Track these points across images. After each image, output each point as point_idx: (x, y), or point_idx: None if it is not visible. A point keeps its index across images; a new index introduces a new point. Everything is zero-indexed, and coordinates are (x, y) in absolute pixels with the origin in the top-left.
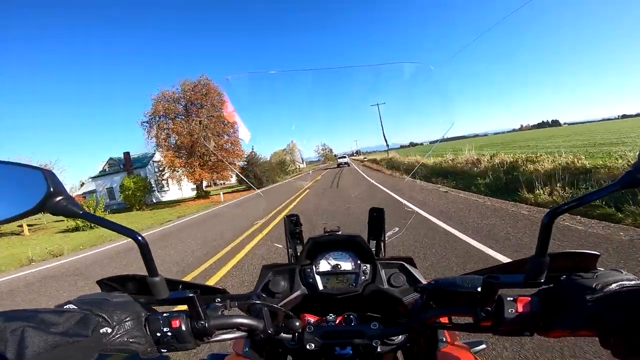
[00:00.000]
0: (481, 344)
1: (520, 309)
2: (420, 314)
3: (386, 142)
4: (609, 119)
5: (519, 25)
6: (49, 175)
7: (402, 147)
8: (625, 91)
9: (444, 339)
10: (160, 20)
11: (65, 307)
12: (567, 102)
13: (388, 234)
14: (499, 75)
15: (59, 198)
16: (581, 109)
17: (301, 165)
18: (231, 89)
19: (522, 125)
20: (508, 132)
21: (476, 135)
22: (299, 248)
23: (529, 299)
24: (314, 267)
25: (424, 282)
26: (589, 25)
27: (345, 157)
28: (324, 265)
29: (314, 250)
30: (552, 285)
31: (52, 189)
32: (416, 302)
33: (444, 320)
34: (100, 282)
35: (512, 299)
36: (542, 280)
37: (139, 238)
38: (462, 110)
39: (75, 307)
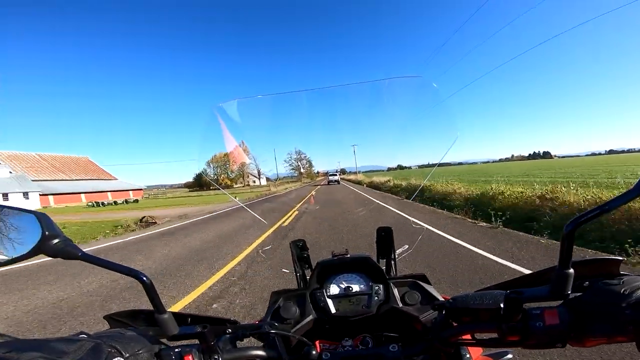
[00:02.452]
0: (507, 354)
1: (548, 321)
2: (441, 332)
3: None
4: (597, 154)
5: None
6: (43, 219)
7: (389, 169)
8: (613, 127)
9: (467, 355)
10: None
11: (79, 336)
12: (554, 134)
13: (398, 251)
14: (490, 104)
15: (55, 241)
16: (569, 143)
17: (257, 182)
18: (225, 115)
19: (513, 155)
20: (496, 161)
21: (460, 164)
22: (308, 272)
23: (556, 309)
24: (324, 290)
25: (440, 298)
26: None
27: (336, 175)
28: (335, 289)
29: (324, 273)
30: (578, 294)
31: (46, 233)
32: (435, 320)
33: (467, 337)
34: (107, 317)
35: (538, 311)
36: (568, 292)
37: (144, 278)
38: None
39: (86, 337)
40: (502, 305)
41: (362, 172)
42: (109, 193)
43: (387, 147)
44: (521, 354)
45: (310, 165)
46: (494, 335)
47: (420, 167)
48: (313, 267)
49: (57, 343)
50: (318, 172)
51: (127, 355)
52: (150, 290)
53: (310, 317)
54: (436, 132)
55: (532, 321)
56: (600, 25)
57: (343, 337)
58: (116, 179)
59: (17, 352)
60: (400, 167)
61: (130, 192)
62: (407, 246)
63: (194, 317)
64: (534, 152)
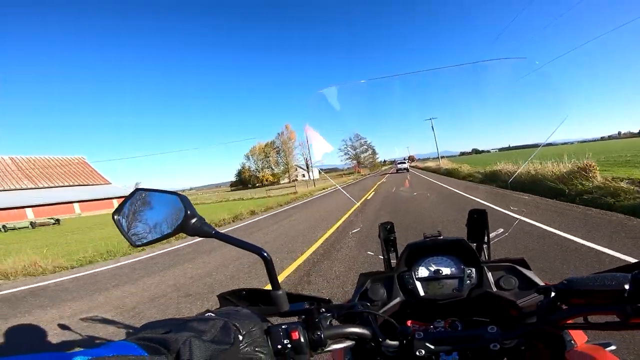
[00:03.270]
0: (610, 345)
1: None
2: (548, 316)
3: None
4: None
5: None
6: (185, 200)
7: (462, 154)
8: None
9: (572, 341)
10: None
11: (206, 315)
12: None
13: (491, 235)
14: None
15: (194, 220)
16: None
17: (306, 176)
18: (324, 102)
19: (620, 133)
20: (597, 140)
21: (549, 145)
22: (393, 255)
23: None
24: (413, 273)
25: (540, 283)
26: None
27: (405, 163)
28: (424, 271)
29: (413, 256)
30: None
31: (188, 212)
32: (541, 303)
33: (579, 320)
34: (220, 296)
35: None
36: None
37: (265, 254)
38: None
39: (213, 315)
40: (627, 287)
41: (432, 158)
42: (75, 204)
43: (480, 129)
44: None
45: (374, 153)
46: (612, 318)
47: (501, 150)
48: (398, 250)
49: (195, 322)
50: (385, 161)
51: (244, 332)
52: (270, 266)
53: (398, 300)
54: (537, 112)
55: None
56: None
57: (430, 320)
58: (109, 184)
59: (175, 332)
60: (476, 152)
61: (115, 200)
62: (501, 230)
63: (291, 295)
64: None
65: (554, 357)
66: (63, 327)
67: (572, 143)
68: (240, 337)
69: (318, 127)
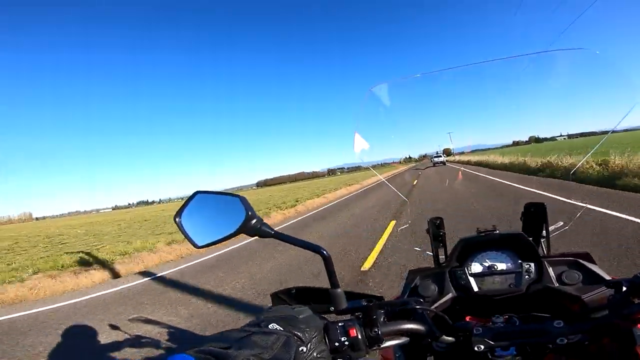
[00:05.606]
0: None
1: None
2: (622, 310)
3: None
4: None
5: None
6: (245, 202)
7: (516, 143)
8: None
9: None
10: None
11: (269, 326)
12: None
13: (551, 228)
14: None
15: (254, 221)
16: None
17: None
18: (376, 99)
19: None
20: None
21: (592, 134)
22: (441, 251)
23: None
24: (465, 268)
25: (607, 277)
26: None
27: (441, 156)
28: (477, 267)
29: (465, 251)
30: None
31: (249, 213)
32: (613, 297)
33: None
34: (273, 295)
35: None
36: None
37: (324, 252)
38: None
39: (280, 328)
40: None
41: (471, 150)
42: None
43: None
44: None
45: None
46: None
47: (571, 136)
48: (448, 246)
49: (256, 336)
50: (425, 155)
51: (307, 342)
52: (329, 264)
53: (450, 295)
54: (599, 99)
55: None
56: None
57: (484, 315)
58: None
59: (235, 348)
60: (537, 140)
61: None
62: (562, 223)
63: (346, 293)
64: None
65: (623, 353)
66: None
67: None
68: (304, 349)
69: (370, 125)
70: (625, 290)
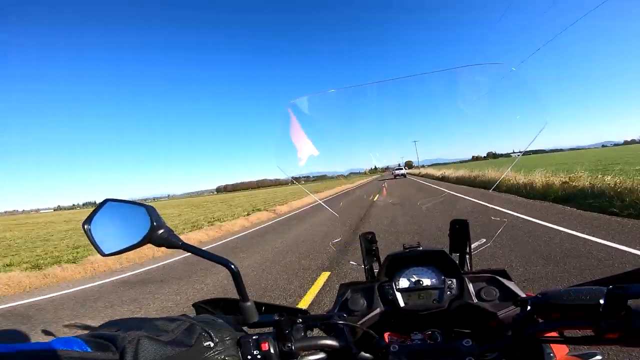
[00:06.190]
0: (595, 355)
1: None
2: (526, 329)
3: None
4: None
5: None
6: (152, 211)
7: (475, 158)
8: None
9: (551, 354)
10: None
11: (178, 317)
12: None
13: (474, 245)
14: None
15: (160, 231)
16: None
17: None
18: (297, 112)
19: (625, 141)
20: (592, 147)
21: (540, 152)
22: (375, 265)
23: None
24: (393, 284)
25: (521, 294)
26: None
27: (402, 169)
28: (404, 282)
29: (393, 266)
30: None
31: (154, 223)
32: (517, 316)
33: (553, 334)
34: (195, 305)
35: None
36: None
37: (232, 266)
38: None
39: (184, 318)
40: (601, 302)
41: (427, 164)
42: None
43: (461, 138)
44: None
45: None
46: (587, 333)
47: (496, 156)
48: (381, 260)
49: (160, 321)
50: (387, 168)
51: (217, 340)
52: (237, 278)
53: (378, 310)
54: (519, 119)
55: (635, 317)
56: None
57: (411, 331)
58: None
59: (124, 330)
60: (494, 156)
61: None
62: (484, 240)
63: (267, 306)
64: None
65: None
66: None
67: (560, 150)
68: (212, 344)
69: (293, 137)
70: (529, 310)
